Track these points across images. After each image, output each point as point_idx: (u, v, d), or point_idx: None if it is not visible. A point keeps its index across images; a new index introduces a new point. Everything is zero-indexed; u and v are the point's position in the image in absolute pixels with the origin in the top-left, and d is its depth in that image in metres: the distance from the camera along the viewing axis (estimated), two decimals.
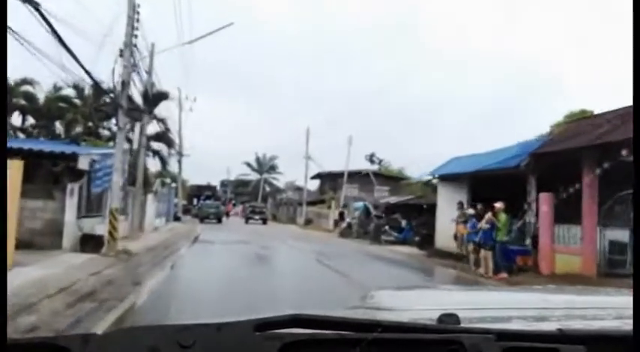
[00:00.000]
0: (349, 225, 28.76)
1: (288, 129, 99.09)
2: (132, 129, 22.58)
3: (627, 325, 1.04)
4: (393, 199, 29.32)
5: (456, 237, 16.32)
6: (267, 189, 76.60)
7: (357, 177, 48.78)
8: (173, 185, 36.94)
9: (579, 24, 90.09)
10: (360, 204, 32.63)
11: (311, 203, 48.60)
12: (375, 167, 55.03)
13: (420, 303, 1.53)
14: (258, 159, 75.04)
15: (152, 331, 0.85)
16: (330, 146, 73.14)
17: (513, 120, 74.47)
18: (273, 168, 75.78)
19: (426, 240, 19.28)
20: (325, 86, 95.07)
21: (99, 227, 13.02)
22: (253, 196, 70.73)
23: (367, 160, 56.25)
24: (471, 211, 14.81)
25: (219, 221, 42.70)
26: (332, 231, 33.54)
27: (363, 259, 17.35)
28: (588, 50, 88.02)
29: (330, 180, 53.52)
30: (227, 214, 53.58)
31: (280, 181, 77.65)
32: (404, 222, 23.90)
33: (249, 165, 75.20)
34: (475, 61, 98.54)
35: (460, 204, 16.42)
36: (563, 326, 1.06)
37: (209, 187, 58.96)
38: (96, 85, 13.99)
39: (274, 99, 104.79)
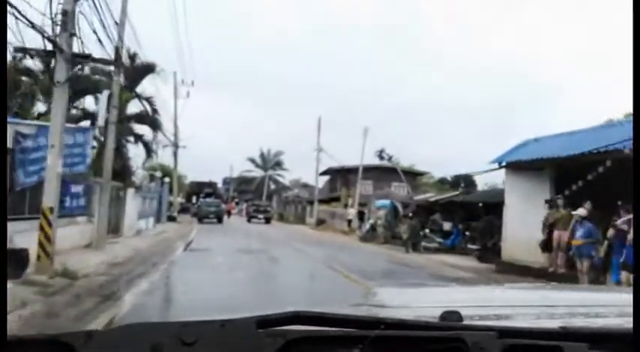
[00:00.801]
0: (373, 227, 24.07)
1: (293, 126, 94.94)
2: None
3: (630, 323, 1.01)
4: (425, 197, 24.59)
5: (546, 247, 11.66)
6: (272, 186, 72.07)
7: (370, 172, 44.16)
8: (167, 180, 32.28)
9: (581, 24, 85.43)
10: (384, 202, 27.97)
11: (321, 201, 43.99)
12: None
13: (422, 301, 1.56)
14: (262, 155, 70.46)
15: (155, 328, 0.85)
16: (335, 143, 69.10)
17: (515, 120, 71.18)
18: (278, 165, 71.15)
19: (489, 250, 14.62)
20: (330, 83, 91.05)
21: (21, 236, 8.37)
22: (257, 194, 66.17)
23: (376, 156, 51.47)
24: (582, 212, 10.11)
25: (220, 221, 38.24)
26: (348, 233, 28.86)
27: (416, 278, 12.61)
28: (590, 50, 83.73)
29: (341, 176, 48.86)
30: (228, 213, 49.11)
31: (286, 178, 73.29)
32: (446, 224, 19.21)
33: (253, 161, 70.65)
34: (478, 60, 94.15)
35: (551, 201, 11.73)
36: (566, 323, 1.06)
37: (210, 184, 54.28)
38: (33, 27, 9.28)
39: (278, 96, 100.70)
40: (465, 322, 1.04)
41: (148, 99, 19.94)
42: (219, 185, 77.76)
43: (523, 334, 0.91)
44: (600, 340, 0.92)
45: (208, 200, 41.66)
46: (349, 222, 31.01)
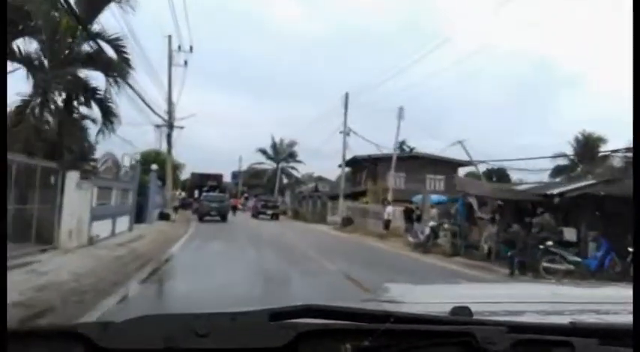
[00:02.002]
0: (434, 233, 17.14)
1: (303, 119, 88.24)
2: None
3: None
4: (516, 188, 17.51)
5: None
6: (285, 180, 65.20)
7: (402, 163, 37.28)
8: (154, 167, 25.60)
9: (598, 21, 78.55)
10: (439, 197, 21.11)
11: (337, 196, 37.22)
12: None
13: (432, 297, 1.57)
14: (274, 146, 63.52)
15: (169, 320, 0.86)
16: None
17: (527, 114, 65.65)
18: (292, 156, 64.12)
19: None
20: (341, 76, 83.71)
21: None
22: (268, 189, 59.45)
23: (396, 149, 44.30)
24: None
25: (224, 218, 31.82)
26: (387, 237, 21.94)
27: None
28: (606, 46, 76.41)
29: (367, 166, 41.91)
30: (234, 209, 42.55)
31: (301, 171, 66.40)
32: (568, 232, 12.25)
33: (264, 152, 63.68)
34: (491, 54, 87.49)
35: None
36: (576, 319, 1.06)
37: (214, 176, 47.47)
38: None
39: (288, 88, 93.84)
40: (475, 317, 1.04)
41: (111, 40, 13.14)
42: (228, 180, 71.33)
43: (533, 329, 0.92)
44: (610, 336, 0.92)
45: (211, 194, 35.06)
46: (387, 222, 24.08)
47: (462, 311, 1.06)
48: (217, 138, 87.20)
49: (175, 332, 0.81)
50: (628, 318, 1.11)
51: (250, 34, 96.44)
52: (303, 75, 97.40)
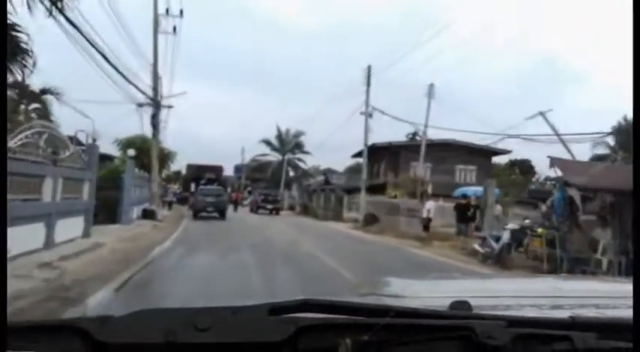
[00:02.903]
0: (515, 239, 12.02)
1: (307, 110, 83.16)
2: None
3: None
4: None
5: None
6: (291, 173, 60.02)
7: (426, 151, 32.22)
8: (131, 153, 20.55)
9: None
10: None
11: (355, 190, 32.18)
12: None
13: (432, 291, 1.55)
14: (280, 136, 58.28)
15: (169, 314, 0.85)
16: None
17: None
18: (298, 147, 58.84)
19: None
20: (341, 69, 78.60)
21: None
22: (273, 183, 54.34)
23: (408, 139, 39.01)
24: None
25: (222, 215, 27.16)
26: (428, 242, 16.82)
27: None
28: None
29: (386, 156, 36.81)
30: (235, 204, 37.76)
31: (308, 164, 61.17)
32: None
33: (268, 143, 58.46)
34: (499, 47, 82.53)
35: None
36: (576, 314, 1.04)
37: (213, 168, 42.33)
38: None
39: (291, 80, 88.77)
40: (475, 312, 1.03)
41: None
42: (231, 173, 66.13)
43: (532, 323, 0.91)
44: (610, 330, 0.91)
45: (207, 187, 30.08)
46: (427, 222, 18.95)
47: (461, 306, 1.04)
48: (218, 131, 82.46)
49: (175, 326, 0.80)
50: (628, 312, 1.08)
51: (255, 27, 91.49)
52: (304, 67, 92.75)
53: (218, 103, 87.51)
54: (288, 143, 58.54)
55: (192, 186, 38.55)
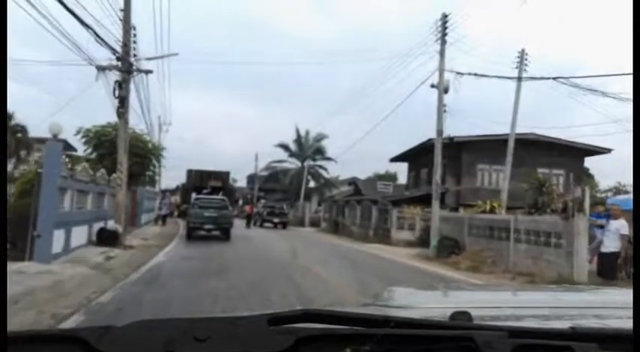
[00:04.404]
0: None
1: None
2: None
3: None
4: None
5: None
6: (312, 183, 51.70)
7: (487, 148, 24.22)
8: (56, 129, 12.60)
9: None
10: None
11: (404, 201, 24.05)
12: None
13: (432, 301, 1.54)
14: (299, 139, 50.13)
15: (168, 324, 0.85)
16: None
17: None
18: (320, 152, 50.43)
19: None
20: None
21: None
22: (291, 193, 46.34)
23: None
24: None
25: (226, 234, 19.74)
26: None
27: None
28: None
29: (445, 157, 28.40)
30: (248, 219, 30.15)
31: (330, 173, 52.58)
32: None
33: (286, 147, 50.25)
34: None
35: None
36: (577, 324, 1.04)
37: (218, 174, 34.14)
38: None
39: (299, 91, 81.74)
40: (475, 322, 1.02)
41: None
42: (243, 184, 58.18)
43: (533, 334, 0.91)
44: (610, 341, 0.91)
45: (206, 197, 22.37)
46: (613, 260, 10.12)
47: (462, 316, 1.03)
48: (228, 140, 75.06)
49: (175, 336, 0.80)
50: (628, 323, 1.08)
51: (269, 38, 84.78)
52: (314, 77, 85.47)
53: (229, 115, 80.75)
54: (309, 148, 50.27)
55: (194, 196, 30.72)
